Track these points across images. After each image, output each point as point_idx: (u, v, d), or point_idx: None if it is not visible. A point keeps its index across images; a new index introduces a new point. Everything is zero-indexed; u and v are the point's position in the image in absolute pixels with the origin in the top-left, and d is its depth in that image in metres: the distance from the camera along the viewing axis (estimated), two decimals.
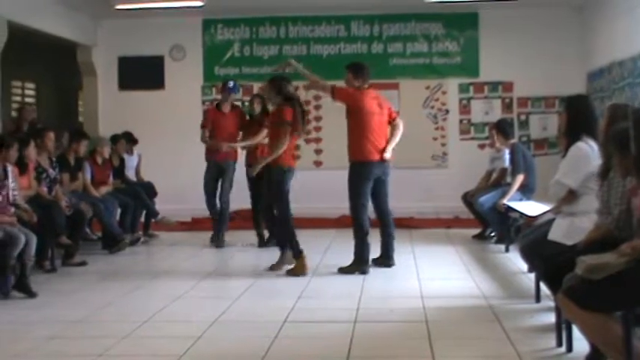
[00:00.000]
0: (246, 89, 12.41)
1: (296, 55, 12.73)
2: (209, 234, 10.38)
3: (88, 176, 9.83)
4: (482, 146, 12.32)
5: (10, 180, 7.57)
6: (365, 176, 7.91)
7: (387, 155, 8.00)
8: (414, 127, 12.53)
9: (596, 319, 4.00)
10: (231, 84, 10.07)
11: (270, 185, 8.07)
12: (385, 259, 8.18)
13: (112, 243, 9.55)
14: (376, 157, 7.92)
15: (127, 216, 10.16)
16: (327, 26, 12.81)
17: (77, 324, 5.96)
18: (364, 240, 7.93)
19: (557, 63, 12.17)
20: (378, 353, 5.10)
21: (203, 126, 10.03)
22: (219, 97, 12.60)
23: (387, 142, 8.08)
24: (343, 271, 7.89)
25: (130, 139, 11.16)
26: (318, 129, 12.69)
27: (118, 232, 9.63)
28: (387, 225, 8.18)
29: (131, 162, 11.18)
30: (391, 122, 8.24)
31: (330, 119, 12.32)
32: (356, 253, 7.95)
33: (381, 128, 8.06)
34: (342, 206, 11.33)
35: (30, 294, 7.00)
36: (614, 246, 4.13)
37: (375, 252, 8.12)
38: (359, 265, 7.89)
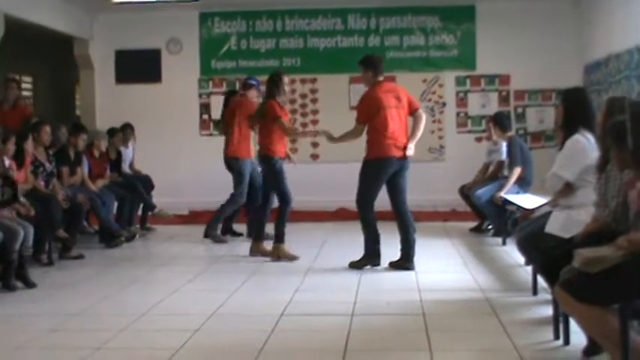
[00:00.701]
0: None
1: (293, 49, 12.77)
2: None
3: (86, 170, 9.82)
4: (479, 139, 12.32)
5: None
6: (379, 174, 7.67)
7: (410, 152, 7.67)
8: (410, 120, 12.55)
9: (593, 312, 4.01)
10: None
11: None
12: (403, 262, 7.71)
13: (109, 238, 9.55)
14: (394, 152, 7.61)
15: (124, 209, 10.15)
16: (323, 19, 12.78)
17: (75, 317, 5.97)
18: (373, 232, 7.78)
19: (554, 56, 12.16)
20: (375, 346, 5.11)
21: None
22: (215, 90, 12.70)
23: (408, 136, 7.76)
24: (354, 266, 7.77)
25: (132, 130, 11.18)
26: (315, 122, 12.68)
27: (115, 229, 9.62)
28: (404, 221, 7.76)
29: (127, 155, 11.17)
30: (413, 114, 7.87)
31: (327, 113, 12.34)
32: (366, 247, 7.82)
33: (400, 122, 7.73)
34: (338, 199, 11.42)
35: (29, 284, 7.05)
36: (612, 239, 4.13)
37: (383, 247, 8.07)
38: (369, 258, 7.78)
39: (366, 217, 7.82)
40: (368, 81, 7.89)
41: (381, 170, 7.67)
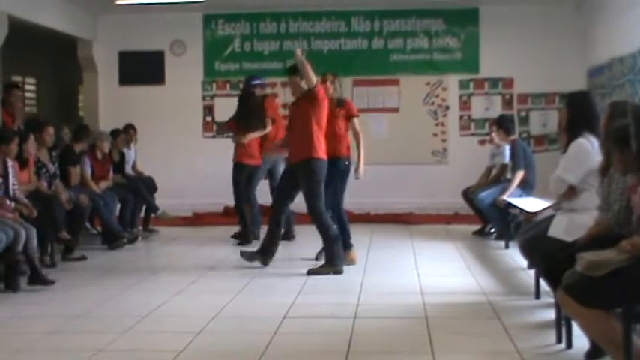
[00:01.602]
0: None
1: None
2: (210, 229, 10.39)
3: (88, 171, 9.81)
4: (482, 142, 12.30)
5: (11, 175, 7.59)
6: (323, 175, 7.66)
7: None
8: (414, 123, 12.58)
9: (595, 316, 4.01)
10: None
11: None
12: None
13: (111, 239, 9.55)
14: (325, 156, 7.70)
15: (127, 211, 10.15)
16: (327, 22, 12.79)
17: (77, 319, 5.97)
18: (335, 238, 7.70)
19: (558, 59, 12.16)
20: (378, 348, 5.11)
21: None
22: (218, 92, 12.71)
23: None
24: (314, 272, 7.63)
25: (135, 131, 11.14)
26: None
27: (117, 230, 9.63)
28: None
29: (130, 156, 11.14)
30: None
31: None
32: (327, 253, 7.76)
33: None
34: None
35: (46, 282, 7.10)
36: (614, 242, 4.13)
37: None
38: (333, 265, 7.69)
39: (325, 223, 7.71)
40: (300, 89, 7.73)
41: (323, 172, 7.66)
